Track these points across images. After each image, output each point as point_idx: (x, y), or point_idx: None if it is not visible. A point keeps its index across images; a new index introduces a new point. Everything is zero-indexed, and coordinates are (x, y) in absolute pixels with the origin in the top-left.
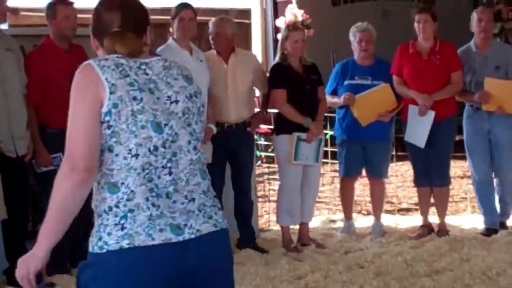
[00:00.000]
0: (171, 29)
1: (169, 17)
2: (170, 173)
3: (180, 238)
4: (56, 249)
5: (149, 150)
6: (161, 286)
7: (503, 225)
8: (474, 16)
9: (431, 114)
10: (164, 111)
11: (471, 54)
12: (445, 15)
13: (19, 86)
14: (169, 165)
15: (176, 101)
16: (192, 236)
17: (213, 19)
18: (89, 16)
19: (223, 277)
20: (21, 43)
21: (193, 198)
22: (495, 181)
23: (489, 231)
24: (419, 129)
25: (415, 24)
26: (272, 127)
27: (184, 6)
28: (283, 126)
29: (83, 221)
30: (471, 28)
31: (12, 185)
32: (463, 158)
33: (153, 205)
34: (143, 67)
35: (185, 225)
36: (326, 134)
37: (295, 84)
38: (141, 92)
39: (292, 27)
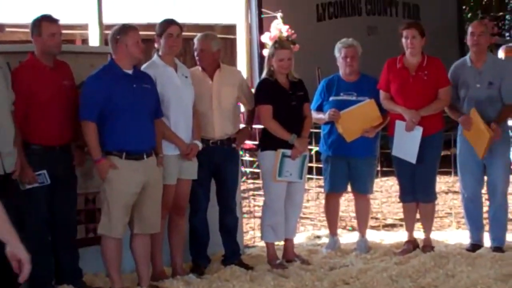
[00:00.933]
0: (156, 45)
1: (153, 33)
2: None
3: None
4: (41, 267)
5: None
6: None
7: (497, 250)
8: (469, 29)
9: (419, 130)
10: None
11: (465, 68)
12: (431, 30)
13: (6, 103)
14: None
15: None
16: None
17: (198, 35)
18: (74, 32)
19: None
20: (6, 60)
21: None
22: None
23: (474, 247)
24: (407, 144)
25: (403, 40)
26: (257, 142)
27: (171, 22)
28: (268, 142)
29: (64, 241)
30: (467, 42)
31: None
32: (448, 173)
33: None
34: None
35: None
36: (311, 150)
37: (282, 100)
38: None
39: (279, 45)
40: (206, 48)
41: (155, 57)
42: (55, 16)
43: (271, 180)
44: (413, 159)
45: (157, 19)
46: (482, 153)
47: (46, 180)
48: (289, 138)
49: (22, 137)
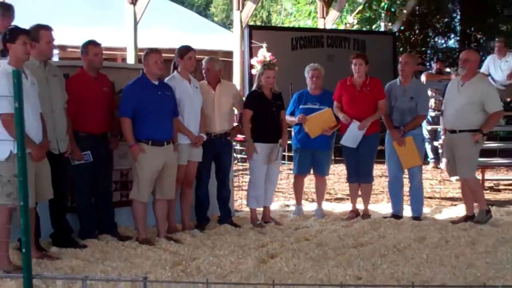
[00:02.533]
0: (176, 64)
1: (173, 55)
2: None
3: None
4: (87, 222)
5: None
6: None
7: (416, 219)
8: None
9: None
10: None
11: (396, 86)
12: (373, 59)
13: (61, 102)
14: None
15: None
16: None
17: (205, 58)
18: (116, 53)
19: None
20: (67, 72)
21: None
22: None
23: (394, 216)
24: (352, 137)
25: (352, 65)
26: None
27: (191, 49)
28: (254, 136)
29: (104, 199)
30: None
31: (56, 174)
32: (382, 162)
33: None
34: None
35: None
36: None
37: (265, 107)
38: None
39: (267, 66)
40: (211, 68)
41: (175, 73)
42: (99, 40)
43: (255, 163)
44: (354, 145)
45: (177, 44)
46: (406, 167)
47: (90, 158)
48: (248, 140)
49: (74, 127)
